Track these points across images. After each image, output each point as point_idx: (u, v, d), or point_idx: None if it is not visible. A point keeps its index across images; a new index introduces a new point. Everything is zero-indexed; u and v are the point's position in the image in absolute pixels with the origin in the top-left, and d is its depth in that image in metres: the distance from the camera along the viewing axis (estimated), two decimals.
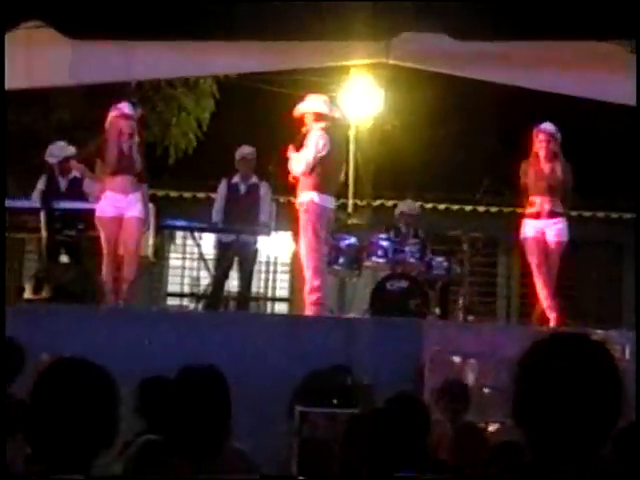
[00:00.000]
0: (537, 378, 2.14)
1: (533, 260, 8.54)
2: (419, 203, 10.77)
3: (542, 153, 8.48)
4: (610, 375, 2.14)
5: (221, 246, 9.84)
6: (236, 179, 9.81)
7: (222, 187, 9.85)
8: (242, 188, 9.78)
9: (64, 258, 8.91)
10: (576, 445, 2.08)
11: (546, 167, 8.50)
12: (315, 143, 8.31)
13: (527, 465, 2.12)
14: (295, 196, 8.52)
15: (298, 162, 8.30)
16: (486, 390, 7.07)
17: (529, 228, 8.53)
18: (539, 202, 8.50)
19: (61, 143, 9.36)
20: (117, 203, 8.16)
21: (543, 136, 8.48)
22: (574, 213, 14.82)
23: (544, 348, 2.18)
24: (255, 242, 9.60)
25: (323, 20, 6.23)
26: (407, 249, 9.58)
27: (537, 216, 8.49)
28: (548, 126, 8.53)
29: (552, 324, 8.37)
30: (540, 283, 8.50)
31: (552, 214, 8.50)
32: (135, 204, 8.17)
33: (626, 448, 2.94)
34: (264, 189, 9.71)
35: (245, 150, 9.83)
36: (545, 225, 8.50)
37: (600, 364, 2.15)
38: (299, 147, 8.40)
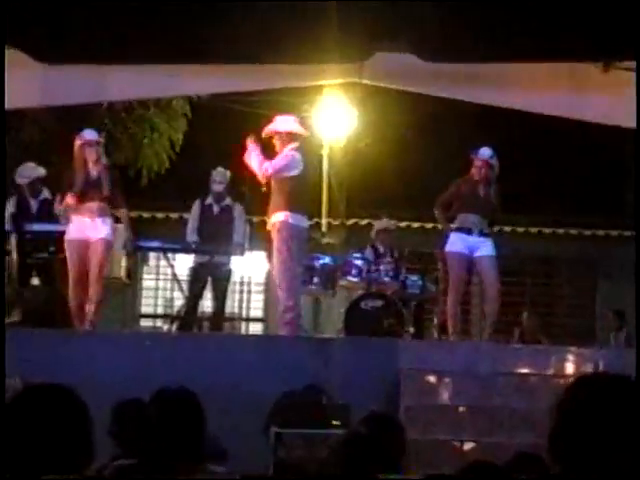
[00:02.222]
0: (577, 418, 2.16)
1: (458, 274, 8.64)
2: (394, 221, 10.78)
3: (478, 177, 8.66)
4: None
5: (195, 267, 9.81)
6: (209, 200, 9.79)
7: (195, 208, 9.83)
8: (216, 209, 9.77)
9: (35, 281, 8.85)
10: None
11: (481, 190, 8.67)
12: (290, 159, 8.28)
13: None
14: (268, 216, 8.50)
15: (267, 164, 8.24)
16: (461, 408, 7.07)
17: (459, 243, 8.62)
18: (472, 221, 8.63)
19: (31, 164, 9.30)
20: (84, 227, 8.18)
21: (479, 162, 8.67)
22: (548, 230, 15.02)
23: (585, 389, 2.20)
24: (229, 262, 9.57)
25: (296, 44, 6.25)
26: (381, 268, 9.59)
27: (469, 232, 8.62)
28: (485, 151, 8.70)
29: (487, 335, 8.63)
30: (456, 296, 8.64)
31: (482, 234, 8.65)
32: (101, 227, 8.19)
33: None
34: (238, 210, 9.71)
35: (218, 172, 9.80)
36: (475, 243, 8.61)
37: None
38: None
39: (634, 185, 8.06)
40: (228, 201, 9.76)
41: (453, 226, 8.75)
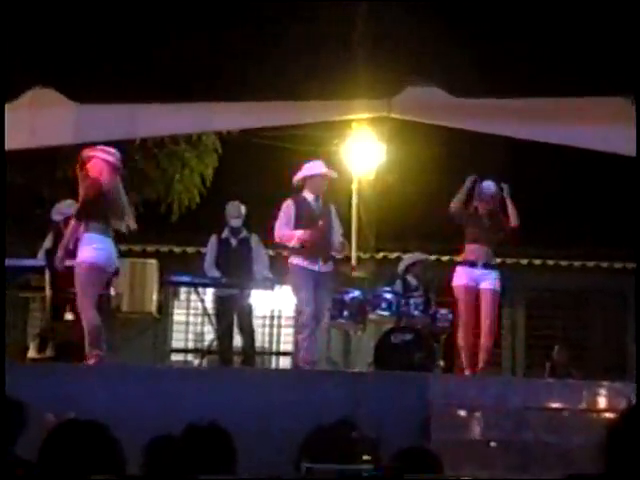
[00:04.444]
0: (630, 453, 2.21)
1: (466, 307, 8.72)
2: (426, 256, 10.81)
3: (481, 209, 8.81)
4: None
5: (218, 300, 9.85)
6: (226, 234, 9.84)
7: (212, 242, 9.87)
8: (233, 242, 9.81)
9: (69, 316, 8.92)
10: None
11: (486, 222, 8.78)
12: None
13: None
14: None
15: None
16: (492, 443, 7.03)
17: (464, 276, 8.73)
18: (477, 252, 8.70)
19: (68, 201, 9.38)
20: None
21: (483, 195, 8.80)
22: (578, 263, 14.94)
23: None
24: (249, 296, 9.58)
25: (327, 80, 6.32)
26: (411, 302, 9.59)
27: (473, 265, 8.66)
28: (489, 185, 8.77)
29: (479, 368, 8.62)
30: (466, 329, 8.70)
31: (487, 265, 8.71)
32: (80, 248, 7.84)
33: None
34: (255, 241, 9.77)
35: (234, 206, 9.86)
36: (480, 275, 8.69)
37: None
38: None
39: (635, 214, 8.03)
40: (245, 233, 9.82)
41: (459, 259, 8.84)
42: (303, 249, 8.54)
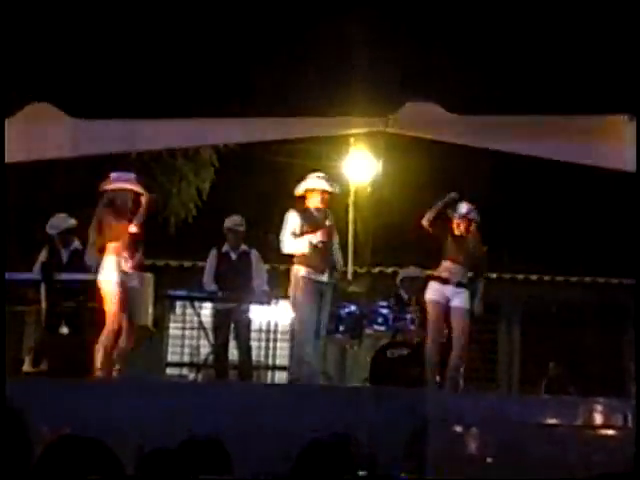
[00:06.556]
0: None
1: (434, 322, 8.75)
2: (420, 270, 10.81)
3: (458, 230, 8.87)
4: None
5: (217, 314, 9.83)
6: (226, 248, 9.82)
7: (212, 256, 9.84)
8: (233, 256, 9.79)
9: (64, 329, 8.90)
10: None
11: (463, 243, 8.83)
12: None
13: None
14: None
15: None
16: (488, 459, 7.02)
17: (435, 292, 8.76)
18: (451, 270, 8.74)
19: (62, 215, 9.39)
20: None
21: (459, 218, 8.88)
22: (574, 279, 14.94)
23: None
24: (249, 309, 9.57)
25: (325, 98, 6.37)
26: (407, 316, 9.59)
27: (445, 282, 8.70)
28: (462, 208, 8.83)
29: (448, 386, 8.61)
30: (434, 345, 8.72)
31: (459, 284, 8.74)
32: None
33: None
34: (254, 256, 9.74)
35: (235, 220, 9.83)
36: (451, 293, 8.72)
37: None
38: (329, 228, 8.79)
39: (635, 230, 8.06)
40: (244, 247, 9.80)
41: (434, 273, 8.85)
42: (310, 259, 8.55)
